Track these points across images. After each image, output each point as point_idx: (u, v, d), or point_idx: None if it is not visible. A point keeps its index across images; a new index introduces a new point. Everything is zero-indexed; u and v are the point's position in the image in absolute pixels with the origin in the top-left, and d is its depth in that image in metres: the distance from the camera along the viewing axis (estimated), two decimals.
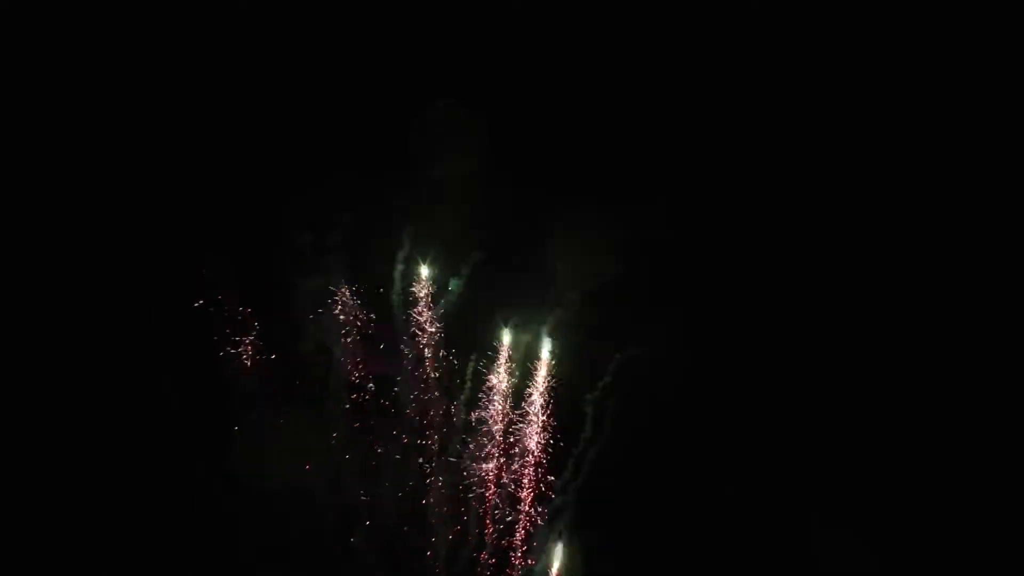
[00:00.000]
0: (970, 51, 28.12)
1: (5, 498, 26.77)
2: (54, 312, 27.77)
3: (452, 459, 29.67)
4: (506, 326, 28.74)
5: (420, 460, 29.78)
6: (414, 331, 29.44)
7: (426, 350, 29.51)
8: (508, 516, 29.63)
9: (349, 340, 29.26)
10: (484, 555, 29.68)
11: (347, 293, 28.91)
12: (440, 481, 29.67)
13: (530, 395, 28.84)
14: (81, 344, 27.70)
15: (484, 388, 29.18)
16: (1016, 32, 27.57)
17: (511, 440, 29.40)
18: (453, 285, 29.02)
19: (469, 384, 29.36)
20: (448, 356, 29.55)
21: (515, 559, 29.52)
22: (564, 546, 28.05)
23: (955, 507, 27.35)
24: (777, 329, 28.84)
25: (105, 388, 27.76)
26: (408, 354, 29.49)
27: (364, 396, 29.66)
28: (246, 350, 28.60)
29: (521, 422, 29.02)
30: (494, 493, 29.59)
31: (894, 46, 28.67)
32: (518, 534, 29.54)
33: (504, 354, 28.89)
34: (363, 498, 29.56)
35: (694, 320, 28.39)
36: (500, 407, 29.07)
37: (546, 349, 28.49)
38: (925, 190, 28.58)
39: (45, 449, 27.30)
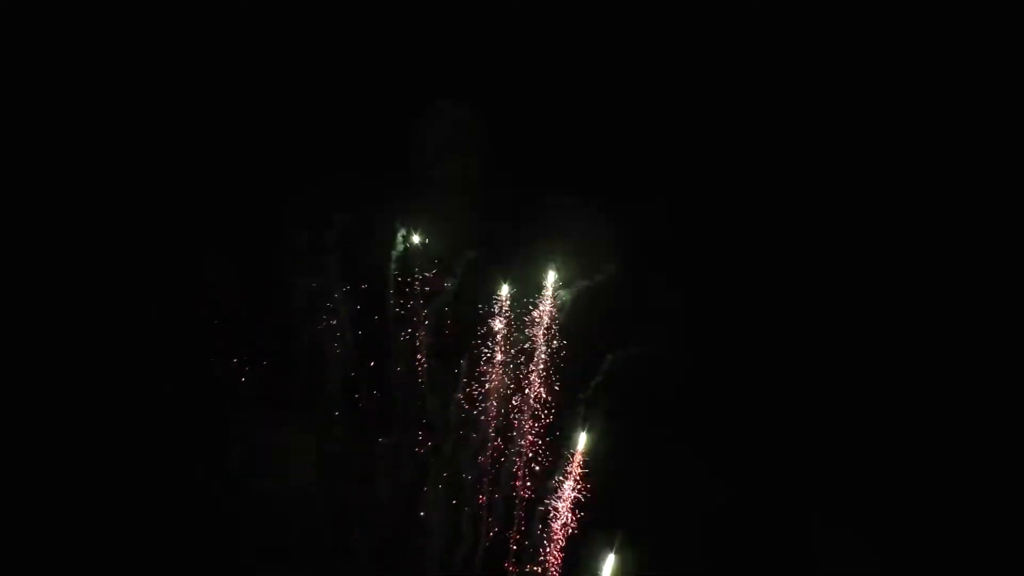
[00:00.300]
0: (970, 51, 28.13)
1: (5, 498, 26.79)
2: (53, 312, 27.79)
3: (447, 456, 29.69)
4: (505, 281, 28.54)
5: (415, 458, 29.81)
6: (410, 329, 29.50)
7: (422, 348, 29.54)
8: (504, 513, 29.66)
9: (346, 339, 29.31)
10: (479, 558, 29.69)
11: (344, 292, 28.96)
12: (438, 482, 29.69)
13: (534, 336, 28.53)
14: (80, 344, 27.71)
15: (481, 365, 29.20)
16: (1016, 32, 27.58)
17: (507, 436, 29.49)
18: (451, 284, 29.08)
19: (464, 380, 29.39)
20: (444, 353, 29.59)
21: (510, 567, 29.49)
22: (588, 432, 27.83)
23: (955, 507, 27.32)
24: (777, 329, 28.83)
25: (105, 388, 27.77)
26: (402, 352, 29.55)
27: (360, 396, 29.70)
28: (244, 350, 28.63)
29: (519, 399, 28.99)
30: (487, 492, 29.59)
31: (894, 46, 28.68)
32: (513, 535, 29.55)
33: (502, 307, 28.72)
34: (360, 497, 29.55)
35: (691, 320, 28.40)
36: (496, 386, 28.98)
37: (551, 277, 28.19)
38: (924, 190, 28.58)
39: (45, 449, 27.30)
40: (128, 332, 28.01)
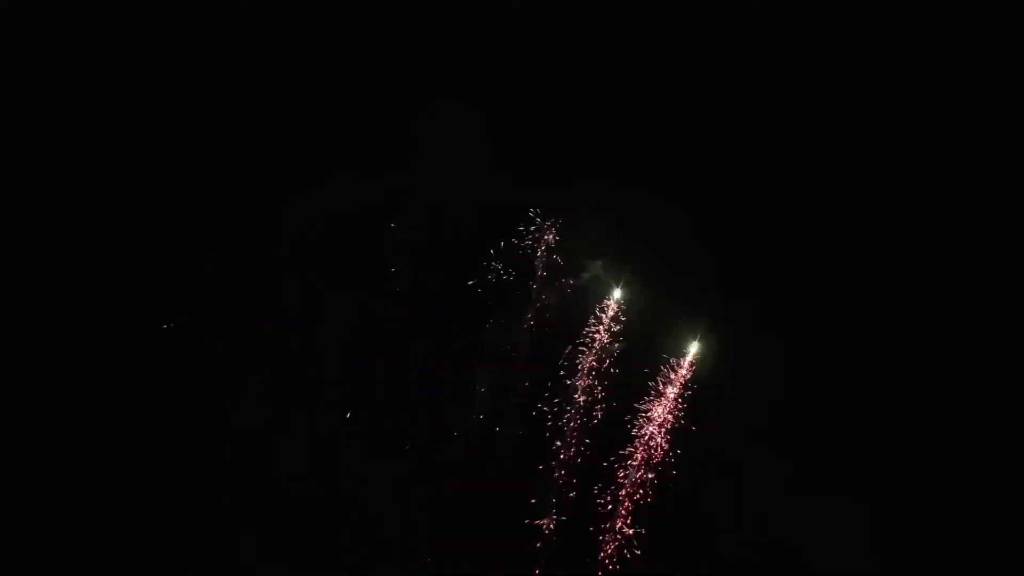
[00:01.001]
0: (970, 51, 28.18)
1: (4, 498, 26.82)
2: (53, 311, 27.85)
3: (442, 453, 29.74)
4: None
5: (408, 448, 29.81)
6: (405, 328, 29.55)
7: (417, 347, 29.58)
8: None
9: (343, 338, 29.35)
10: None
11: (342, 292, 29.01)
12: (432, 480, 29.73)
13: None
14: (80, 343, 27.76)
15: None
16: (1016, 32, 27.63)
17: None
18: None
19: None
20: (440, 352, 29.64)
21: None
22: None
23: (955, 507, 27.33)
24: (776, 325, 28.86)
25: (104, 387, 27.81)
26: (399, 352, 29.58)
27: (355, 395, 29.70)
28: (244, 349, 28.67)
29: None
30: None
31: (894, 46, 28.74)
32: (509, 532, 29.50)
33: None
34: (359, 495, 29.57)
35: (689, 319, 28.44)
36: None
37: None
38: (925, 191, 28.63)
39: (44, 449, 27.34)
40: (129, 331, 28.07)
